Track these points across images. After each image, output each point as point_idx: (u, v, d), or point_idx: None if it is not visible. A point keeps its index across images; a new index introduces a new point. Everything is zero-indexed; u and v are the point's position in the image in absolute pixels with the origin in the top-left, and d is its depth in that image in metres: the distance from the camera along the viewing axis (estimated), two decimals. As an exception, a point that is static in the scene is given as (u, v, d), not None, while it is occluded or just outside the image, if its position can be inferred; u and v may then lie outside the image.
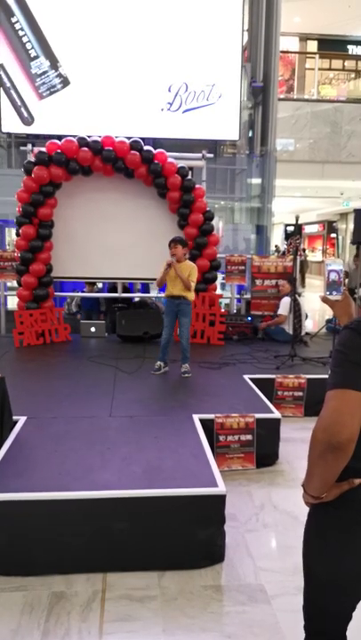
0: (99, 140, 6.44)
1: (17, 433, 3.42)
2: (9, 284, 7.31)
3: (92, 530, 2.60)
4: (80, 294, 7.97)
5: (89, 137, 6.48)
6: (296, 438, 4.23)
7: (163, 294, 5.05)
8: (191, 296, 4.97)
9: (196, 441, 3.37)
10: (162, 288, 5.24)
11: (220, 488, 2.71)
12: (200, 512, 2.67)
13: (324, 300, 1.80)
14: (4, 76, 7.18)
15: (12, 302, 6.93)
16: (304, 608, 1.58)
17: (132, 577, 2.57)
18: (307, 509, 1.52)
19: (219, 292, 7.06)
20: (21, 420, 3.63)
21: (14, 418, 3.60)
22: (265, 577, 2.61)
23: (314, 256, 23.06)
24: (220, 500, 2.70)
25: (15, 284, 6.79)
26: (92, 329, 6.93)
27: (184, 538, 2.65)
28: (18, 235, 6.51)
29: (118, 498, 2.62)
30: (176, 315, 4.99)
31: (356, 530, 1.39)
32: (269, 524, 3.10)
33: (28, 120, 7.32)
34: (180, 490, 2.68)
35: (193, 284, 4.91)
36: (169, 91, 7.41)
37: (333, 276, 1.81)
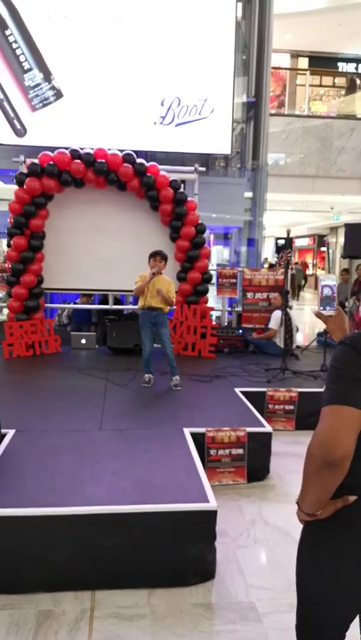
0: (91, 152, 6.46)
1: (5, 446, 3.37)
2: (-1, 295, 7.27)
3: (81, 546, 2.56)
4: (71, 306, 7.94)
5: (82, 149, 6.50)
6: (287, 452, 4.21)
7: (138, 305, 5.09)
8: (167, 307, 5.01)
9: (187, 455, 3.34)
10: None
11: (212, 503, 2.68)
12: (191, 528, 2.63)
13: (318, 315, 1.80)
14: (-3, 88, 7.20)
15: (2, 313, 6.89)
16: (297, 627, 1.55)
17: (121, 595, 2.53)
18: (299, 525, 1.50)
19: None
20: (10, 433, 3.59)
21: (2, 431, 3.55)
22: (256, 594, 2.57)
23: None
24: (211, 515, 2.67)
25: (5, 294, 6.76)
26: (83, 341, 6.89)
27: (174, 554, 2.61)
28: (9, 245, 6.48)
29: (107, 513, 2.57)
30: (154, 326, 4.99)
31: (351, 548, 1.37)
32: (260, 540, 3.07)
33: (20, 132, 7.33)
34: (170, 505, 2.64)
35: (174, 300, 5.01)
36: (162, 105, 7.46)
37: (327, 292, 1.81)
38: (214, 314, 7.46)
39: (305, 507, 1.40)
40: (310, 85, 14.44)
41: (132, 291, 7.33)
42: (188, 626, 2.34)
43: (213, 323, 7.01)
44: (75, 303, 7.95)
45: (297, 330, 7.24)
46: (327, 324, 1.78)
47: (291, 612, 1.56)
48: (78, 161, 6.39)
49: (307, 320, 12.29)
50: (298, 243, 24.02)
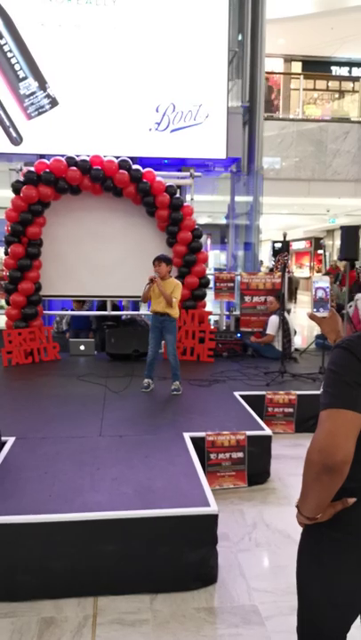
0: (87, 159, 6.49)
1: (5, 454, 3.37)
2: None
3: (82, 552, 2.56)
4: (69, 312, 7.94)
5: (78, 156, 6.52)
6: (287, 455, 4.22)
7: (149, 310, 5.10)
8: (175, 313, 4.96)
9: (187, 459, 3.35)
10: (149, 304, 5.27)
11: (212, 508, 2.68)
12: (192, 532, 2.64)
13: (312, 316, 1.81)
14: (-8, 97, 7.24)
15: (1, 321, 6.90)
16: (298, 629, 1.56)
17: (124, 600, 2.53)
18: (300, 528, 1.50)
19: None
20: (10, 440, 3.59)
21: (2, 438, 3.56)
22: (258, 597, 2.57)
23: (301, 272, 23.27)
24: (212, 519, 2.67)
25: (3, 302, 6.77)
26: (82, 347, 6.90)
27: (176, 559, 2.61)
28: (6, 254, 6.50)
29: (108, 519, 2.58)
30: (161, 331, 5.00)
31: (350, 550, 1.38)
32: (262, 544, 3.07)
33: (16, 140, 7.35)
34: (171, 510, 2.65)
35: (175, 301, 4.90)
36: (157, 111, 7.49)
37: (321, 294, 1.82)
38: (212, 318, 7.47)
39: (305, 511, 1.40)
40: (304, 89, 14.51)
41: (129, 296, 7.43)
42: (191, 630, 2.34)
43: (212, 327, 7.02)
44: (72, 310, 7.96)
45: (295, 333, 7.26)
46: (321, 326, 1.79)
47: (293, 614, 1.57)
48: (74, 168, 6.42)
49: (305, 323, 12.29)
50: (295, 246, 24.05)
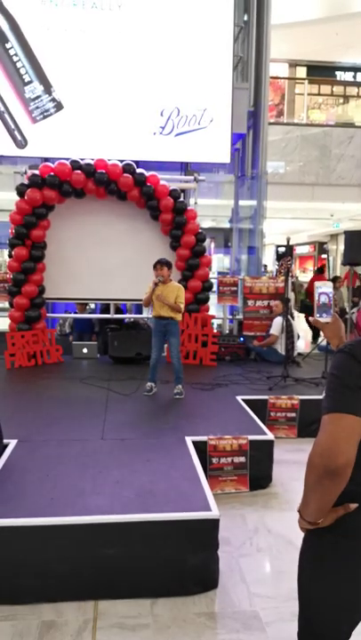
0: (92, 162, 6.51)
1: (7, 457, 3.37)
2: (0, 306, 7.29)
3: (83, 556, 2.55)
4: (72, 315, 7.96)
5: (82, 160, 6.55)
6: (290, 460, 4.20)
7: (151, 314, 5.09)
8: (179, 316, 4.97)
9: (189, 463, 3.34)
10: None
11: (214, 512, 2.68)
12: (193, 537, 2.63)
13: (315, 322, 1.81)
14: (-3, 100, 7.27)
15: (4, 323, 6.91)
16: (299, 634, 1.55)
17: (124, 605, 2.52)
18: (302, 533, 1.50)
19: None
20: (12, 443, 3.59)
21: (5, 441, 3.56)
22: (259, 603, 2.56)
23: (305, 276, 23.25)
24: (213, 524, 2.66)
25: (7, 305, 6.78)
26: (84, 350, 6.90)
27: (177, 563, 2.60)
28: (10, 256, 6.51)
29: (110, 523, 2.58)
30: (164, 335, 4.99)
31: (352, 555, 1.38)
32: (263, 549, 3.06)
33: (21, 143, 7.38)
34: (172, 514, 2.64)
35: (182, 306, 4.92)
36: (161, 115, 7.51)
37: (324, 299, 1.82)
38: (215, 322, 7.46)
39: (307, 515, 1.40)
40: (309, 94, 14.54)
41: (132, 300, 7.44)
42: (192, 635, 2.33)
43: (215, 331, 7.02)
44: (75, 313, 7.97)
45: (298, 337, 7.25)
46: (324, 331, 1.79)
47: (294, 620, 1.56)
48: (79, 171, 6.44)
49: (308, 327, 12.27)
50: (298, 250, 24.04)
